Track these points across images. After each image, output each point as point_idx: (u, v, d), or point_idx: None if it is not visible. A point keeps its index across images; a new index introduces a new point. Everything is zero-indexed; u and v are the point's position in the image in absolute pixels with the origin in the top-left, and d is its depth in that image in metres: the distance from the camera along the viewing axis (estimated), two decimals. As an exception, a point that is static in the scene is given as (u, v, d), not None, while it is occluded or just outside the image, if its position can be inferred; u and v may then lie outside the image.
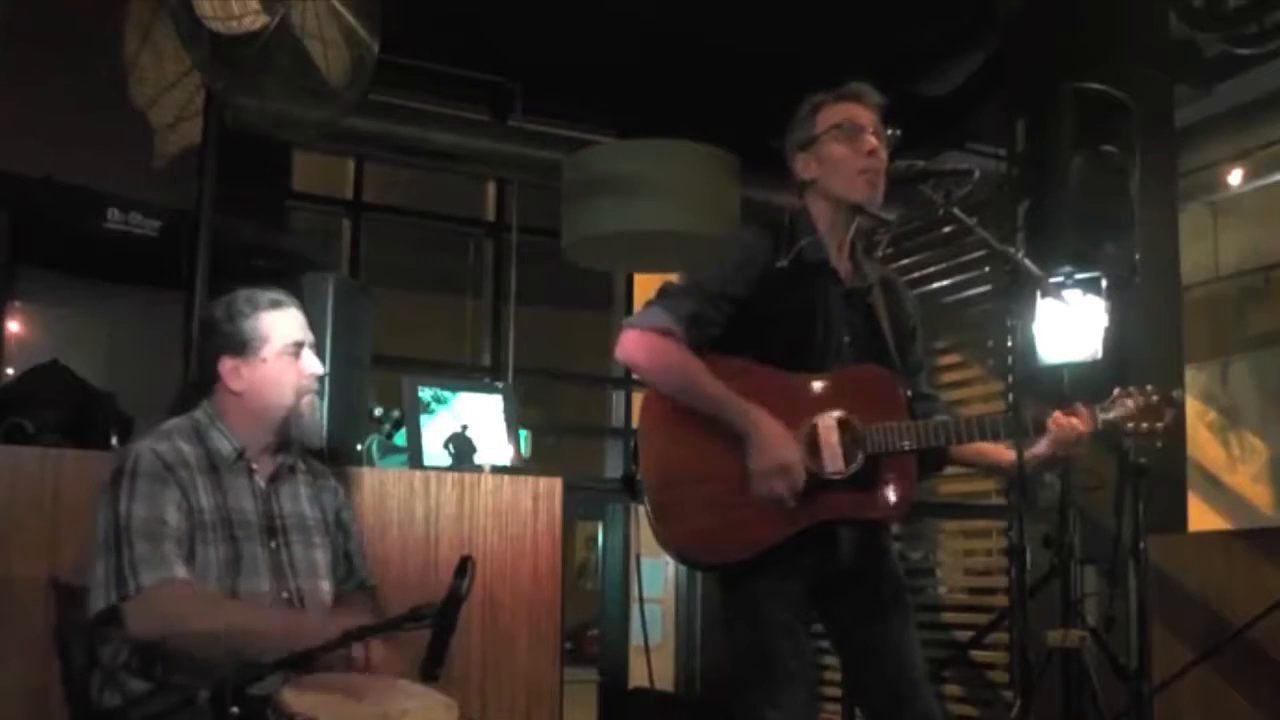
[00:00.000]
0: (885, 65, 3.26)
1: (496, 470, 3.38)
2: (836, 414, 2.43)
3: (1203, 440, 6.55)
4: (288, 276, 3.03)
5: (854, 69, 2.62)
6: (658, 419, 2.49)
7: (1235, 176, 5.96)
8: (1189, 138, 5.39)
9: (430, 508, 3.24)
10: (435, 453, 3.38)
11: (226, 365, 2.34)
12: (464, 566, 1.96)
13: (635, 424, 2.54)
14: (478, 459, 3.40)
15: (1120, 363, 3.78)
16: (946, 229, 5.56)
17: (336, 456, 3.04)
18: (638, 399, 2.59)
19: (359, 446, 3.37)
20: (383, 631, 2.10)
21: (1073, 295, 3.67)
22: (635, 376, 2.62)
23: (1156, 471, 3.69)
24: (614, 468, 6.54)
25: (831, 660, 4.94)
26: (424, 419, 3.40)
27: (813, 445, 2.43)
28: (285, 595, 2.30)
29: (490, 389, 3.77)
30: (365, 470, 3.23)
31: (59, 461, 2.76)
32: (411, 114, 5.41)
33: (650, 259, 4.96)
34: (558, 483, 3.43)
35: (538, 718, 3.27)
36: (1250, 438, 6.54)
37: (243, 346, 2.34)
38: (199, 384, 2.40)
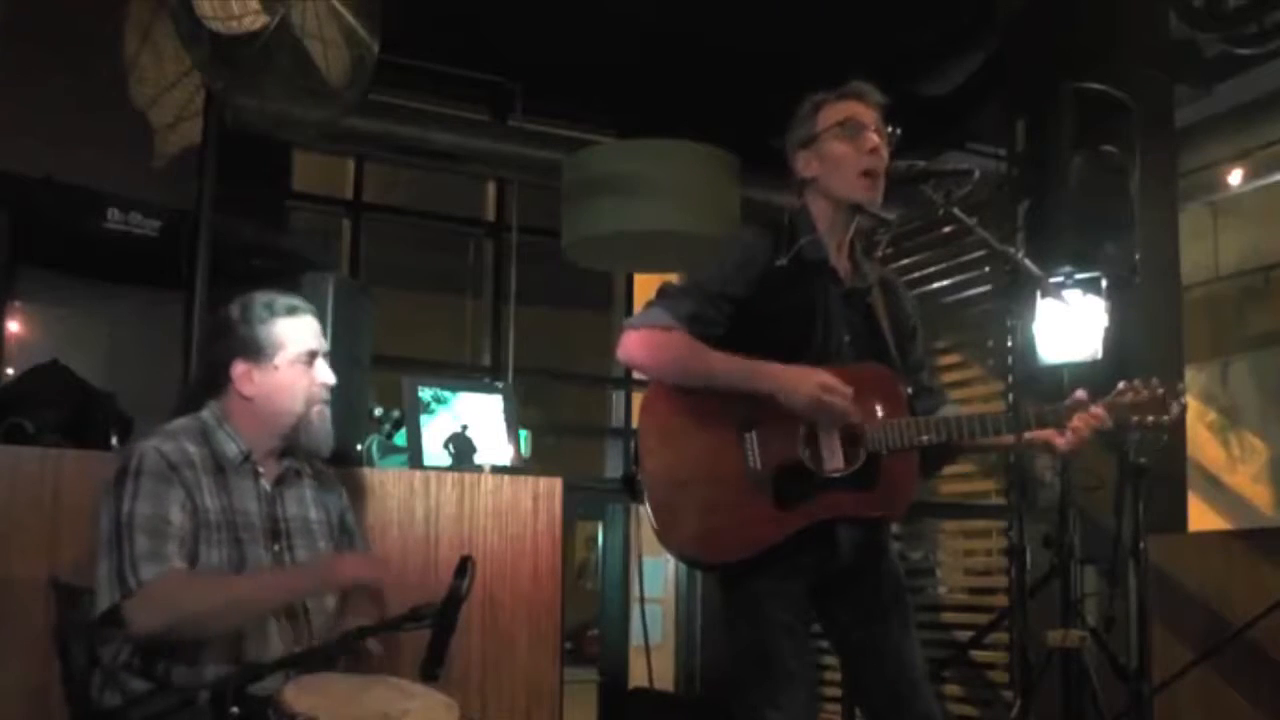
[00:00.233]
0: (885, 65, 3.26)
1: (496, 470, 3.38)
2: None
3: (1203, 440, 6.55)
4: (288, 276, 3.03)
5: (854, 69, 2.61)
6: (658, 419, 2.49)
7: (1235, 176, 5.96)
8: (1189, 138, 5.40)
9: (430, 508, 3.24)
10: (435, 453, 3.38)
11: (239, 369, 2.33)
12: (464, 566, 1.96)
13: (635, 424, 2.54)
14: (478, 459, 3.40)
15: (1120, 363, 3.78)
16: (946, 229, 5.56)
17: (337, 457, 3.03)
18: (638, 399, 2.59)
19: (359, 446, 3.37)
20: (383, 631, 2.11)
21: (1073, 295, 3.67)
22: (638, 376, 2.61)
23: (1156, 471, 3.69)
24: (614, 468, 6.54)
25: (831, 660, 4.94)
26: (424, 419, 3.40)
27: (813, 444, 2.43)
28: (288, 598, 2.30)
29: (490, 389, 3.76)
30: (365, 470, 3.23)
31: (59, 461, 2.75)
32: (411, 114, 5.41)
33: (650, 259, 4.96)
34: (558, 483, 3.42)
35: (538, 718, 3.27)
36: (1250, 438, 6.54)
37: (257, 351, 2.32)
38: (207, 384, 2.39)
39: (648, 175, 4.53)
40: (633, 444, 2.52)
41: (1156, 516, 3.81)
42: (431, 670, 1.97)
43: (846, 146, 2.51)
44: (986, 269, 5.50)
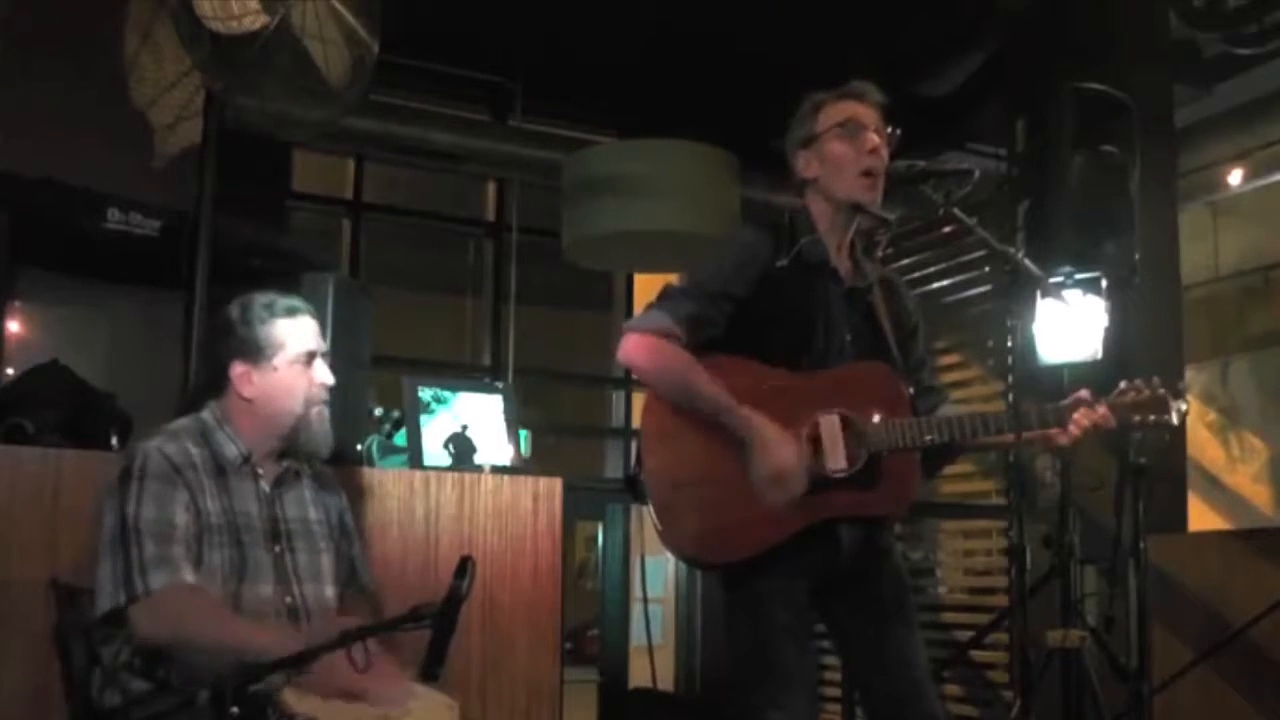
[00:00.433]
0: (885, 65, 3.26)
1: (496, 470, 3.38)
2: (839, 412, 2.43)
3: (1203, 440, 6.55)
4: (288, 276, 3.03)
5: (854, 69, 2.61)
6: (660, 420, 2.48)
7: (1235, 176, 5.96)
8: (1189, 138, 5.40)
9: (430, 508, 3.24)
10: (435, 453, 3.38)
11: (238, 370, 2.33)
12: (464, 566, 1.96)
13: (635, 424, 2.54)
14: (478, 459, 3.40)
15: (1120, 363, 3.78)
16: (946, 229, 5.57)
17: (337, 457, 3.03)
18: (638, 399, 2.60)
19: (359, 446, 3.37)
20: (383, 631, 2.11)
21: (1073, 295, 3.66)
22: (636, 378, 2.61)
23: (1156, 471, 3.69)
24: (614, 468, 6.54)
25: (832, 660, 4.95)
26: (424, 419, 3.40)
27: (815, 443, 2.43)
28: (289, 600, 2.29)
29: (490, 389, 3.76)
30: (365, 470, 3.23)
31: (59, 461, 2.75)
32: (411, 114, 5.41)
33: (650, 259, 4.97)
34: (558, 483, 3.42)
35: (538, 718, 3.27)
36: (1250, 438, 6.54)
37: (256, 352, 2.33)
38: (207, 385, 2.39)
39: (648, 175, 4.53)
40: (635, 444, 2.52)
41: (1156, 516, 3.81)
42: (431, 670, 1.97)
43: (846, 147, 2.51)
44: (986, 269, 5.51)
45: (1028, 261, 2.47)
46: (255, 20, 2.92)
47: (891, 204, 2.60)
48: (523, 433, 3.69)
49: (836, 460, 2.42)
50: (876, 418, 2.44)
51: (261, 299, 2.37)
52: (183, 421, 2.34)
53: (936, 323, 5.61)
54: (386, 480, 3.21)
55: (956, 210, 2.48)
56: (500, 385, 4.08)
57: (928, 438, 2.43)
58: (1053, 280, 3.56)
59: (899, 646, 2.51)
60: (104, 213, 3.44)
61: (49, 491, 2.72)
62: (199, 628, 2.12)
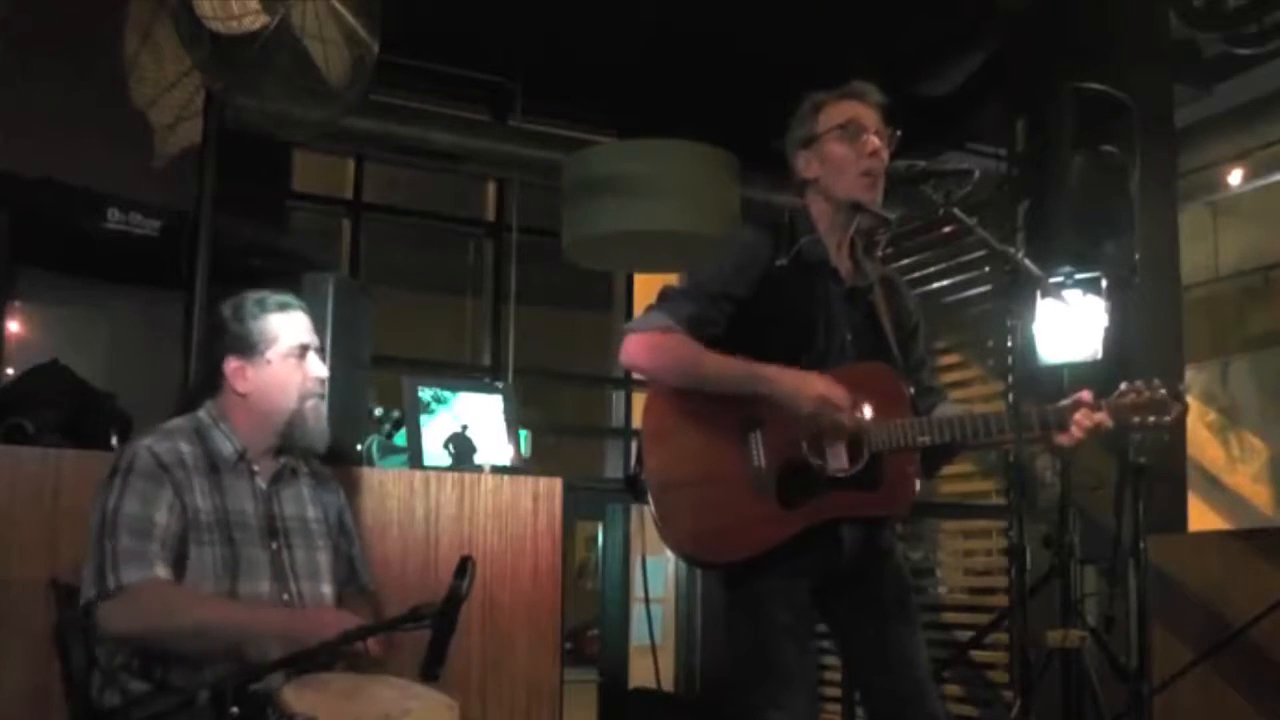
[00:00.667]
0: (885, 65, 3.26)
1: (496, 470, 3.38)
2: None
3: (1203, 440, 6.55)
4: (288, 276, 3.03)
5: (854, 69, 2.61)
6: (661, 419, 2.49)
7: (1235, 176, 5.97)
8: (1189, 138, 5.40)
9: (430, 508, 3.24)
10: (435, 453, 3.38)
11: (232, 365, 2.34)
12: (464, 566, 1.96)
13: (635, 424, 2.54)
14: (478, 459, 3.40)
15: (1120, 363, 3.78)
16: (946, 229, 5.57)
17: (336, 456, 3.03)
18: (638, 399, 2.60)
19: (359, 446, 3.37)
20: (383, 631, 2.11)
21: (1073, 295, 3.66)
22: (639, 378, 2.61)
23: (1156, 471, 3.69)
24: (614, 468, 6.53)
25: (832, 660, 4.94)
26: (424, 419, 3.40)
27: (816, 443, 2.42)
28: (286, 597, 2.30)
29: (490, 389, 3.76)
30: (365, 470, 3.23)
31: (59, 461, 2.76)
32: (411, 114, 5.41)
33: (650, 259, 4.96)
34: (558, 483, 3.43)
35: (537, 718, 3.27)
36: (1250, 438, 6.54)
37: (250, 348, 2.34)
38: (203, 384, 2.41)
39: (648, 175, 4.53)
40: (635, 444, 2.52)
41: (1156, 516, 3.81)
42: (431, 670, 1.97)
43: (846, 148, 2.51)
44: (986, 269, 5.51)
45: (1028, 261, 2.47)
46: (255, 20, 2.92)
47: (891, 204, 2.60)
48: (523, 433, 3.69)
49: (838, 460, 2.42)
50: (877, 418, 2.44)
51: (253, 295, 2.39)
52: (177, 420, 2.35)
53: (936, 323, 5.61)
54: (386, 480, 3.21)
55: (956, 210, 2.47)
56: (500, 385, 4.07)
57: (928, 438, 2.43)
58: (1053, 280, 3.56)
59: (900, 646, 2.51)
60: (104, 213, 3.43)
61: (49, 491, 2.72)
62: (165, 619, 2.12)
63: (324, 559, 2.41)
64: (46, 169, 3.48)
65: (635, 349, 2.49)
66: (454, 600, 1.94)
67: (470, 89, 6.02)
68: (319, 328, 2.54)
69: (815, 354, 2.49)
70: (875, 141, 2.50)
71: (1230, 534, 5.12)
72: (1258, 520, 6.30)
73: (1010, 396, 5.02)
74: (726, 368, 2.41)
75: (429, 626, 1.95)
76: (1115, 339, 3.79)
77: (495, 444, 3.48)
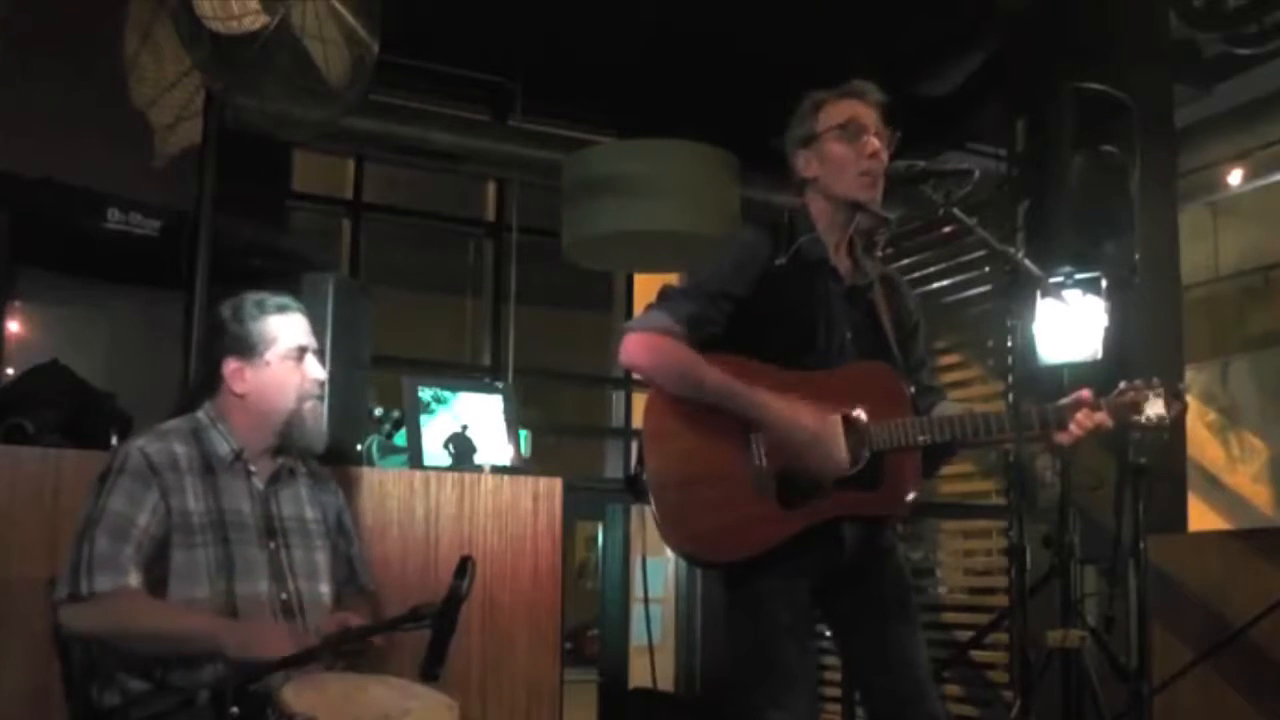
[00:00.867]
0: (885, 65, 3.26)
1: (496, 470, 3.38)
2: (840, 412, 2.43)
3: (1203, 440, 6.55)
4: (288, 276, 3.03)
5: (854, 69, 2.61)
6: (662, 419, 2.48)
7: (1235, 176, 5.96)
8: (1189, 138, 5.40)
9: (430, 508, 3.24)
10: (435, 453, 3.38)
11: (230, 366, 2.35)
12: (464, 566, 1.96)
13: (636, 424, 2.54)
14: (478, 459, 3.40)
15: (1120, 363, 3.78)
16: (946, 229, 5.57)
17: (336, 457, 3.03)
18: (638, 399, 2.60)
19: (359, 446, 3.37)
20: (383, 631, 2.11)
21: (1073, 295, 3.66)
22: (639, 378, 2.61)
23: (1156, 471, 3.69)
24: (614, 468, 6.53)
25: (832, 660, 4.95)
26: (424, 419, 3.40)
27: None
28: (284, 597, 2.30)
29: (490, 389, 3.76)
30: (365, 470, 3.23)
31: (59, 461, 2.76)
32: (411, 114, 5.41)
33: (650, 259, 4.96)
34: (558, 483, 3.43)
35: (537, 718, 3.27)
36: (1250, 438, 6.54)
37: (248, 349, 2.35)
38: (202, 385, 2.42)
39: (648, 175, 4.53)
40: (636, 443, 2.52)
41: (1156, 516, 3.81)
42: (431, 670, 1.97)
43: (846, 148, 2.51)
44: (986, 269, 5.51)
45: (1028, 261, 2.47)
46: (255, 20, 2.92)
47: (891, 204, 2.60)
48: (523, 433, 3.69)
49: (841, 463, 2.42)
50: (878, 417, 2.44)
51: (252, 297, 2.40)
52: (174, 421, 2.36)
53: (936, 323, 5.61)
54: (386, 480, 3.21)
55: (956, 210, 2.47)
56: (500, 385, 4.07)
57: (929, 437, 2.43)
58: (1053, 280, 3.56)
59: (901, 646, 2.50)
60: (104, 213, 3.43)
61: (49, 491, 2.72)
62: (134, 623, 2.15)
63: (322, 559, 2.41)
64: (46, 169, 3.47)
65: (635, 348, 2.49)
66: (454, 600, 1.94)
67: (470, 89, 6.02)
68: (319, 328, 2.54)
69: (815, 353, 2.49)
70: (875, 143, 2.50)
71: (1230, 534, 5.12)
72: (1258, 520, 6.30)
73: (1010, 396, 5.04)
74: (721, 384, 2.40)
75: (429, 626, 1.95)
76: (1115, 339, 3.79)
77: (495, 444, 3.48)
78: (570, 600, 3.74)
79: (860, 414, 2.43)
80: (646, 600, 4.74)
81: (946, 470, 5.28)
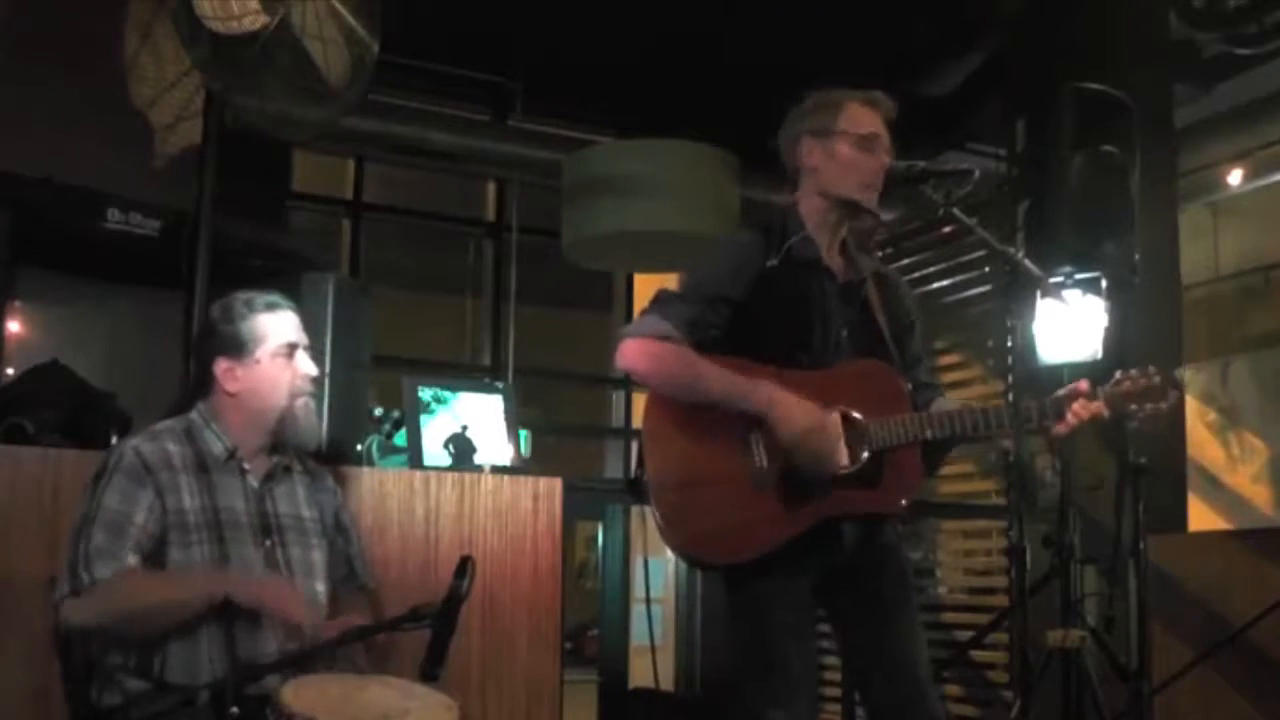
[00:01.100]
0: (885, 65, 3.26)
1: (496, 470, 3.38)
2: (839, 410, 2.43)
3: (1203, 440, 6.55)
4: (287, 276, 3.03)
5: (854, 68, 2.61)
6: (662, 420, 2.48)
7: (1235, 176, 5.97)
8: (1189, 138, 5.39)
9: (430, 508, 3.24)
10: (435, 453, 3.38)
11: (221, 366, 2.36)
12: (464, 566, 1.96)
13: (636, 424, 2.54)
14: (478, 459, 3.40)
15: (1120, 362, 3.76)
16: (946, 229, 5.57)
17: (336, 456, 3.04)
18: (638, 399, 2.60)
19: (359, 446, 3.37)
20: (383, 631, 2.11)
21: (1073, 295, 3.67)
22: (638, 382, 2.61)
23: (1156, 471, 3.69)
24: (614, 468, 6.53)
25: (832, 660, 4.94)
26: (424, 419, 3.40)
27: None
28: (281, 595, 2.30)
29: (490, 389, 3.76)
30: (365, 470, 3.23)
31: (59, 461, 2.76)
32: (411, 114, 5.41)
33: (650, 259, 4.97)
34: (558, 483, 3.42)
35: (538, 718, 3.27)
36: (1250, 438, 6.54)
37: (239, 347, 2.36)
38: (195, 386, 2.42)
39: (648, 175, 4.53)
40: (638, 446, 2.52)
41: (1156, 516, 3.80)
42: (431, 670, 1.97)
43: (858, 155, 2.51)
44: (986, 269, 5.51)
45: (1028, 261, 2.47)
46: (255, 20, 2.93)
47: (891, 204, 2.61)
48: (523, 433, 3.69)
49: (840, 459, 2.42)
50: (876, 414, 2.44)
51: (242, 296, 2.41)
52: (168, 421, 2.37)
53: (936, 323, 5.61)
54: (386, 480, 3.21)
55: (956, 210, 2.47)
56: (500, 385, 4.08)
57: (928, 434, 2.43)
58: (1053, 280, 3.56)
59: (901, 645, 2.51)
60: (104, 213, 3.43)
61: (49, 491, 2.72)
62: (132, 601, 2.15)
63: (319, 557, 2.41)
64: (46, 169, 3.48)
65: (632, 354, 2.48)
66: (454, 600, 1.94)
67: (470, 89, 6.01)
68: (319, 328, 2.55)
69: (811, 352, 2.49)
70: (885, 160, 2.51)
71: (1230, 534, 5.12)
72: (1258, 520, 6.29)
73: (1010, 396, 5.04)
74: (721, 381, 2.41)
75: (429, 626, 1.95)
76: (1115, 339, 3.79)
77: (495, 444, 3.48)
78: (570, 600, 3.74)
79: (856, 414, 2.43)
80: (648, 600, 4.74)
81: (946, 470, 5.28)
